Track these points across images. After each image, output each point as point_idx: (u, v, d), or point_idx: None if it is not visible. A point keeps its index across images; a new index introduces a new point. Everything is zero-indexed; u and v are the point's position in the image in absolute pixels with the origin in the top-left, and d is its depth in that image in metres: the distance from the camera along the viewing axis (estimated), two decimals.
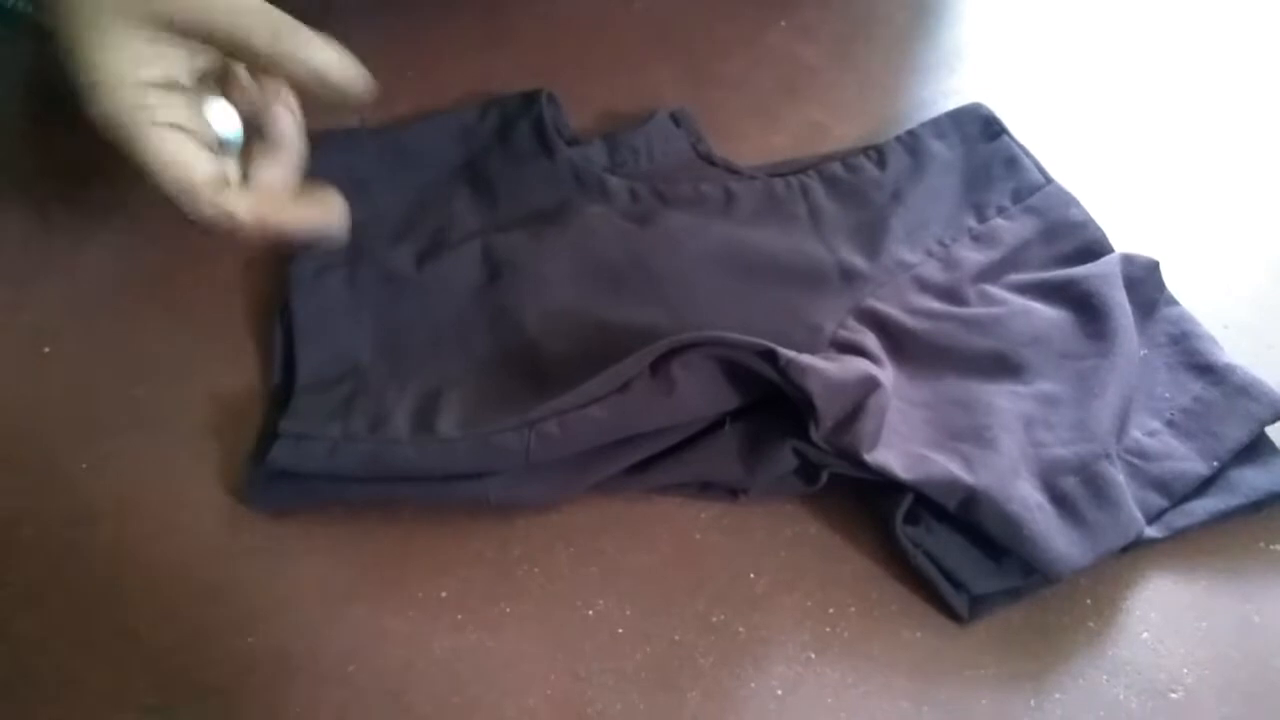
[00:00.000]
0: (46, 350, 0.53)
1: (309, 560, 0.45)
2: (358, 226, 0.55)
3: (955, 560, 0.43)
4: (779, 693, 0.41)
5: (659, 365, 0.45)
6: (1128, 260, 0.51)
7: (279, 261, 0.55)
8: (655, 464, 0.46)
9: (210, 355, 0.52)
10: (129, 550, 0.46)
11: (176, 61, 0.44)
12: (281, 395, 0.49)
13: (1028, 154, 0.57)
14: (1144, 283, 0.51)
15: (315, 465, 0.45)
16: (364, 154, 0.59)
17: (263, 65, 0.45)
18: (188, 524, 0.47)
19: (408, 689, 0.42)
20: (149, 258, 0.57)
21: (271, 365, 0.51)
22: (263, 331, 0.53)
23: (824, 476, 0.45)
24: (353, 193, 0.57)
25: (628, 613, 0.44)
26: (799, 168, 0.58)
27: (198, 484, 0.48)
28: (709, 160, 0.59)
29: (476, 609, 0.44)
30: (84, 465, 0.49)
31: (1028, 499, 0.43)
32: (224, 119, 0.47)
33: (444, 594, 0.44)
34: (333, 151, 0.60)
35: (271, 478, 0.46)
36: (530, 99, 0.61)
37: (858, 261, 0.53)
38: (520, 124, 0.60)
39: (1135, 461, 0.45)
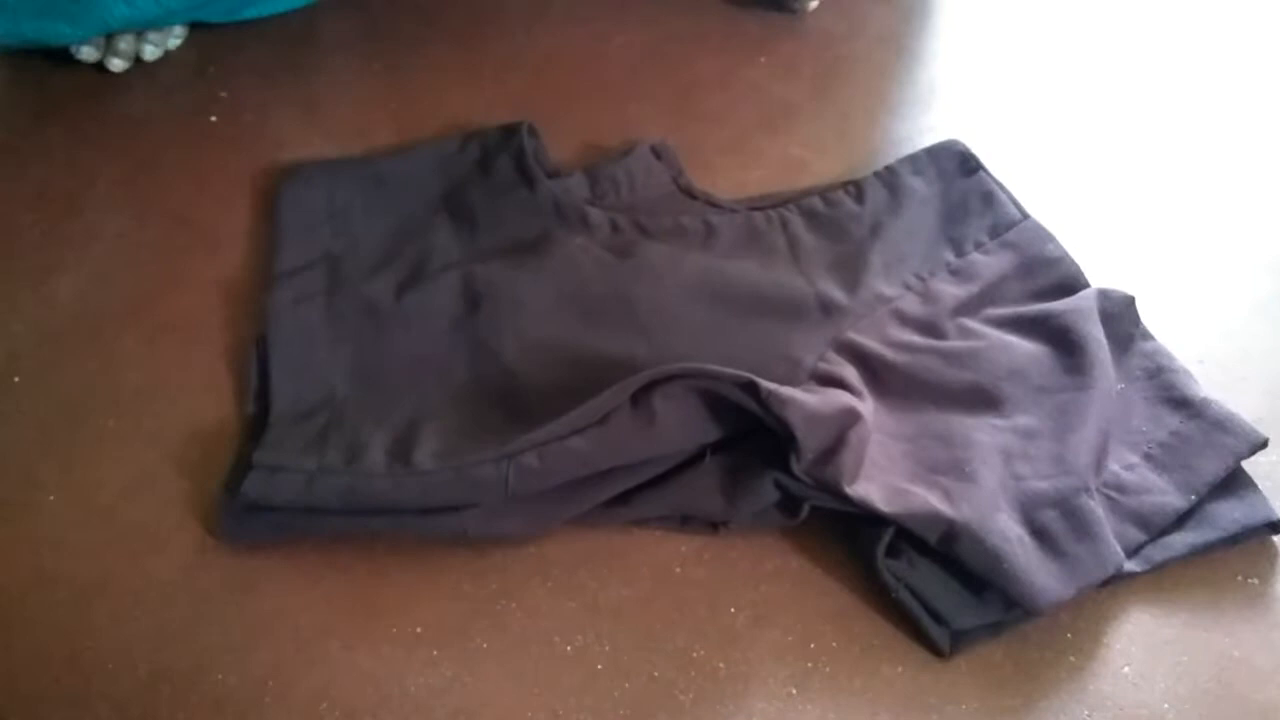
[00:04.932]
0: (16, 380, 0.52)
1: (281, 595, 0.44)
2: (336, 256, 0.55)
3: (936, 594, 0.43)
4: None
5: (640, 397, 0.44)
6: (1103, 295, 0.52)
7: (255, 290, 0.55)
8: (635, 496, 0.46)
9: (183, 385, 0.52)
10: (98, 583, 0.45)
11: None
12: (256, 426, 0.48)
13: (1004, 189, 0.58)
14: (1119, 318, 0.51)
15: (289, 497, 0.44)
16: (344, 184, 0.59)
17: None
18: (157, 557, 0.46)
19: None
20: (122, 287, 0.56)
21: (246, 396, 0.50)
22: (237, 361, 0.52)
23: (805, 509, 0.45)
24: (332, 223, 0.57)
25: (606, 648, 0.43)
26: (778, 201, 0.58)
27: (168, 516, 0.47)
28: (689, 193, 0.59)
29: (452, 645, 0.43)
30: (51, 497, 0.48)
31: (1008, 532, 0.43)
32: None
33: (419, 629, 0.44)
34: (313, 182, 0.60)
35: (244, 510, 0.45)
36: (511, 131, 0.61)
37: (837, 295, 0.53)
38: (501, 155, 0.60)
39: (1114, 495, 0.45)
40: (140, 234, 0.60)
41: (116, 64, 0.69)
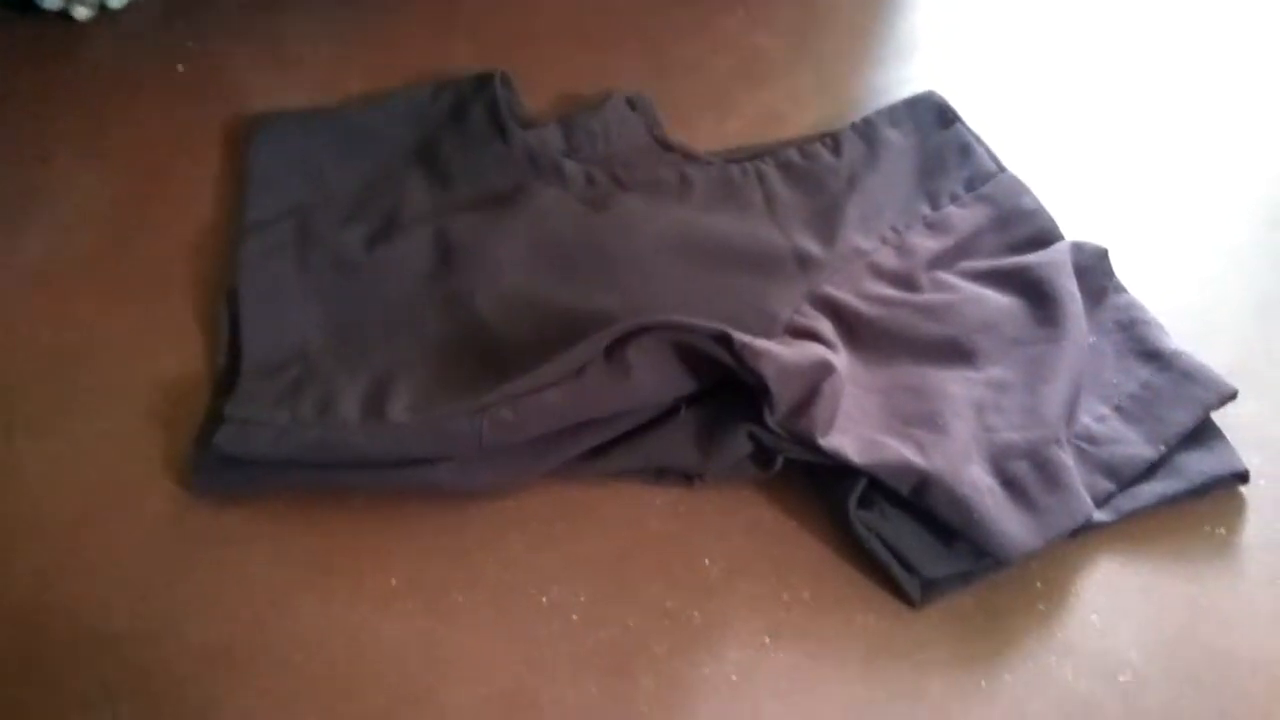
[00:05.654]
0: None
1: (255, 548, 0.44)
2: (308, 208, 0.55)
3: (908, 545, 0.43)
4: (733, 678, 0.41)
5: (614, 350, 0.44)
6: (1077, 248, 0.52)
7: (225, 243, 0.54)
8: (610, 450, 0.46)
9: (153, 338, 0.51)
10: (70, 539, 0.45)
11: None
12: (227, 380, 0.48)
13: (980, 142, 0.58)
14: (1093, 270, 0.51)
15: (261, 451, 0.44)
16: (315, 135, 0.58)
17: None
18: (130, 511, 0.45)
19: (357, 679, 0.41)
20: (90, 238, 0.56)
21: (217, 349, 0.50)
22: (208, 314, 0.52)
23: (779, 461, 0.45)
24: (303, 174, 0.57)
25: (582, 599, 0.43)
26: (755, 154, 0.58)
27: (141, 470, 0.46)
28: (665, 145, 0.59)
29: (428, 597, 0.43)
30: (22, 452, 0.47)
31: (979, 483, 0.43)
32: None
33: (394, 582, 0.44)
34: (284, 132, 0.59)
35: (217, 464, 0.45)
36: (484, 80, 0.60)
37: (813, 248, 0.53)
38: (474, 106, 0.59)
39: (1084, 446, 0.46)
40: (108, 185, 0.59)
41: (81, 12, 0.67)
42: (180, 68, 0.65)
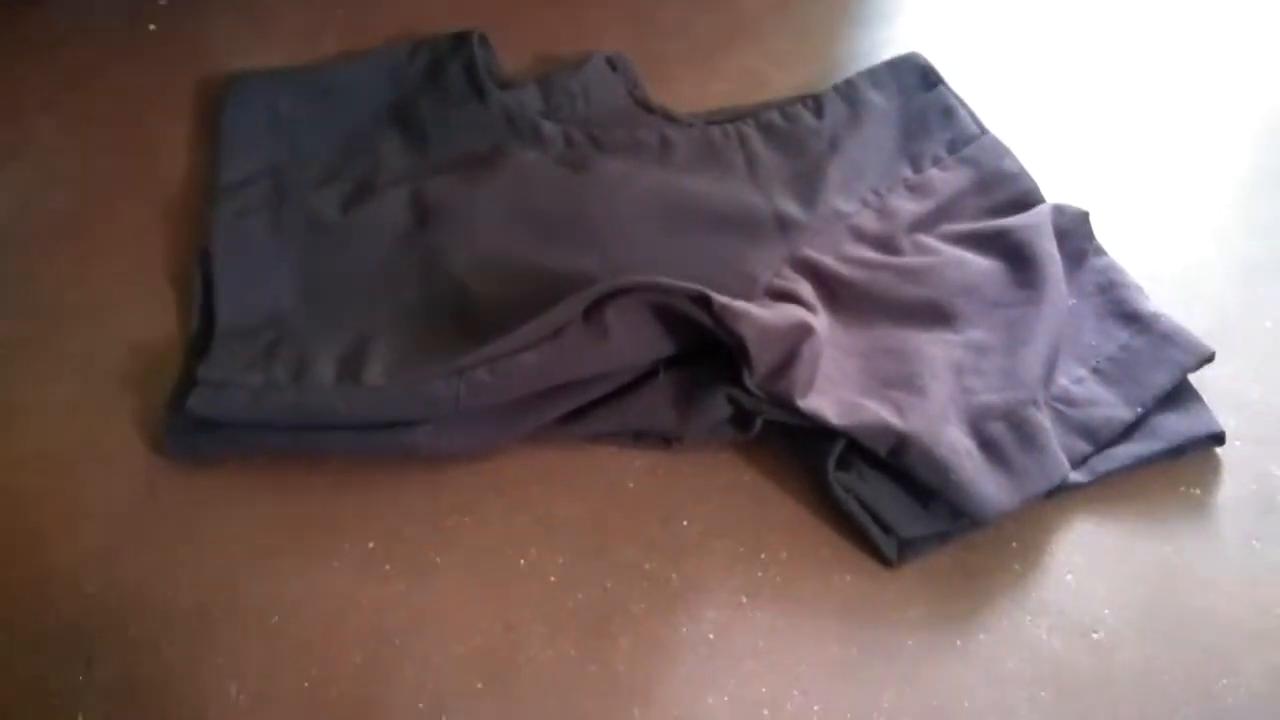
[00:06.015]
0: None
1: (230, 511, 0.44)
2: (282, 169, 0.54)
3: (885, 505, 0.43)
4: (710, 637, 0.41)
5: (593, 311, 0.44)
6: (1058, 211, 0.51)
7: (198, 204, 0.54)
8: (588, 412, 0.46)
9: (125, 300, 0.50)
10: (44, 501, 0.44)
11: None
12: (200, 342, 0.47)
13: (963, 104, 0.57)
14: (1074, 233, 0.51)
15: (235, 414, 0.44)
16: (289, 94, 0.58)
17: None
18: (104, 474, 0.45)
19: (334, 641, 0.41)
20: (61, 201, 0.55)
21: (190, 312, 0.49)
22: (181, 276, 0.51)
23: (758, 424, 0.45)
24: (277, 134, 0.56)
25: (560, 561, 0.43)
26: (736, 116, 0.57)
27: (114, 433, 0.46)
28: (646, 106, 0.58)
29: (405, 560, 0.43)
30: None
31: (956, 444, 0.43)
32: None
33: (372, 544, 0.44)
34: (257, 92, 0.58)
35: (191, 427, 0.45)
36: (461, 39, 0.59)
37: (794, 210, 0.52)
38: (451, 65, 0.58)
39: (1062, 408, 0.46)
40: (78, 147, 0.58)
41: None
42: (152, 26, 0.64)
